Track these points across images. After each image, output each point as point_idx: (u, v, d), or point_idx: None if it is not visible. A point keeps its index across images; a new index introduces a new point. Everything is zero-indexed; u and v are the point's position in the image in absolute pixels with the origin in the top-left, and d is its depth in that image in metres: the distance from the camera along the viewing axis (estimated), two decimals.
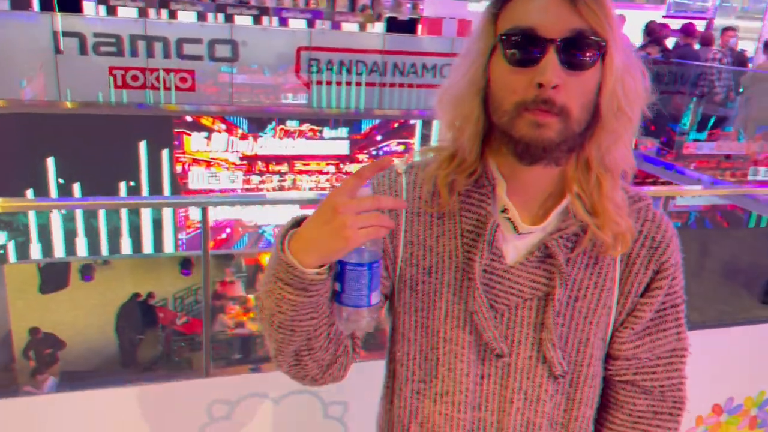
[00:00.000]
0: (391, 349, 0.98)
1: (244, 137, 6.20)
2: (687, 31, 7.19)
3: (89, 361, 6.81)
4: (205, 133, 6.11)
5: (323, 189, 6.33)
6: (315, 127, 6.25)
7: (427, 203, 0.91)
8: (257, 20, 6.41)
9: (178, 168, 6.09)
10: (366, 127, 6.60)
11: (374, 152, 6.54)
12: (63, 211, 5.69)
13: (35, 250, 5.86)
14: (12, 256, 5.78)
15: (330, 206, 0.76)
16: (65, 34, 5.78)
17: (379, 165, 0.80)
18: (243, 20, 6.40)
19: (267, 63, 6.24)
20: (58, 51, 5.80)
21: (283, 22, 6.49)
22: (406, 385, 0.95)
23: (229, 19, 6.39)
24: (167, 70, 6.05)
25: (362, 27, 6.57)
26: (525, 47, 0.79)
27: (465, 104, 0.85)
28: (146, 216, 6.05)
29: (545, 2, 0.79)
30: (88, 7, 6.15)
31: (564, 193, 0.88)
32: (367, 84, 6.46)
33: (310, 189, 6.25)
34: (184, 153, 6.08)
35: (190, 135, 6.12)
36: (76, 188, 5.84)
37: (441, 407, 0.92)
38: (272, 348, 0.88)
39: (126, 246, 6.09)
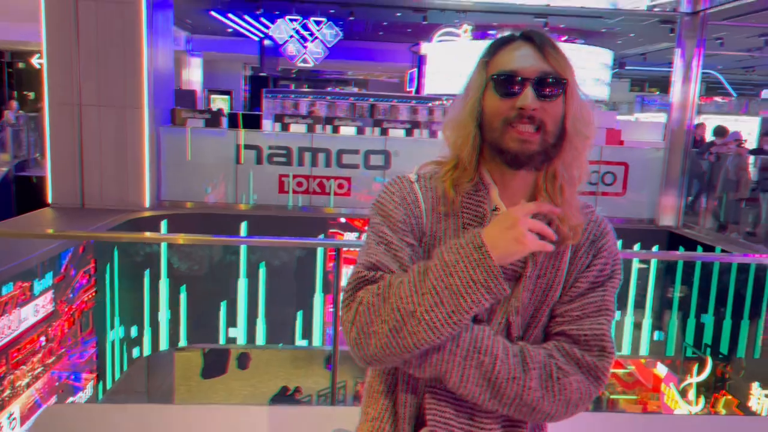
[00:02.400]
0: None
1: None
2: None
3: None
4: (356, 233, 6.55)
5: None
6: None
7: (438, 202, 1.16)
8: (409, 133, 6.95)
9: (331, 265, 6.52)
10: None
11: None
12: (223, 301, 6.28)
13: (202, 336, 6.46)
14: (182, 340, 6.41)
15: (512, 218, 1.04)
16: (246, 147, 6.69)
17: (551, 210, 1.09)
18: (396, 133, 6.98)
19: None
20: (238, 162, 6.70)
21: (434, 134, 6.97)
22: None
23: (384, 132, 7.00)
24: (327, 177, 6.70)
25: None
26: (511, 84, 1.09)
27: (466, 127, 1.14)
28: (295, 309, 6.46)
29: (523, 53, 1.11)
30: (267, 125, 7.08)
31: (537, 197, 1.15)
32: None
33: None
34: (335, 251, 6.52)
35: (342, 235, 6.59)
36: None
37: None
38: (418, 339, 1.03)
39: (282, 336, 6.50)
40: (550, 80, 1.09)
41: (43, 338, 4.31)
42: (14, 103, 11.70)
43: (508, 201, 1.15)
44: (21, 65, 15.37)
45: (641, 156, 6.90)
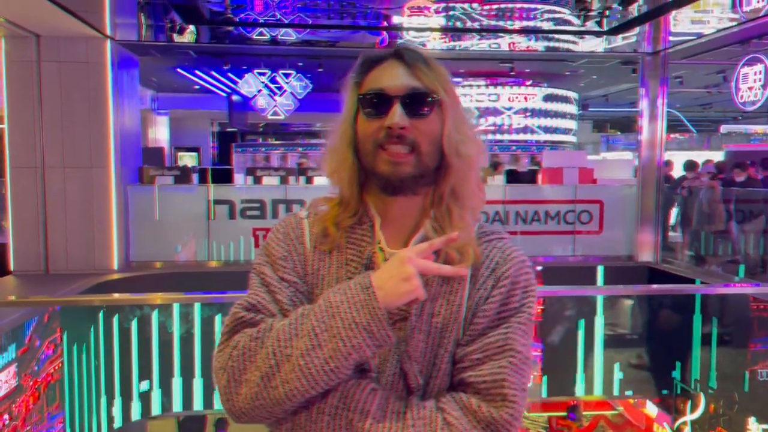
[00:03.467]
0: None
1: None
2: None
3: None
4: None
5: None
6: None
7: (320, 240, 1.08)
8: None
9: None
10: None
11: None
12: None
13: (177, 403, 6.12)
14: (155, 408, 6.06)
15: (400, 258, 0.95)
16: (217, 202, 6.53)
17: (447, 239, 0.98)
18: None
19: None
20: (209, 217, 6.52)
21: None
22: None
23: None
24: None
25: (483, 180, 6.84)
26: (378, 103, 1.03)
27: (340, 154, 1.07)
28: None
29: (390, 71, 1.04)
30: (238, 179, 6.97)
31: (421, 223, 1.06)
32: None
33: None
34: None
35: None
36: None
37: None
38: (292, 387, 0.92)
39: None
40: (420, 97, 1.03)
41: (6, 416, 3.99)
42: None
43: (391, 230, 1.07)
44: None
45: (615, 193, 6.95)
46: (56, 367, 4.71)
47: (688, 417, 6.44)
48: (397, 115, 1.00)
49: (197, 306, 5.89)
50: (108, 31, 5.70)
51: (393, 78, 1.03)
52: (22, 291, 5.34)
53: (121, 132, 5.96)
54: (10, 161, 5.78)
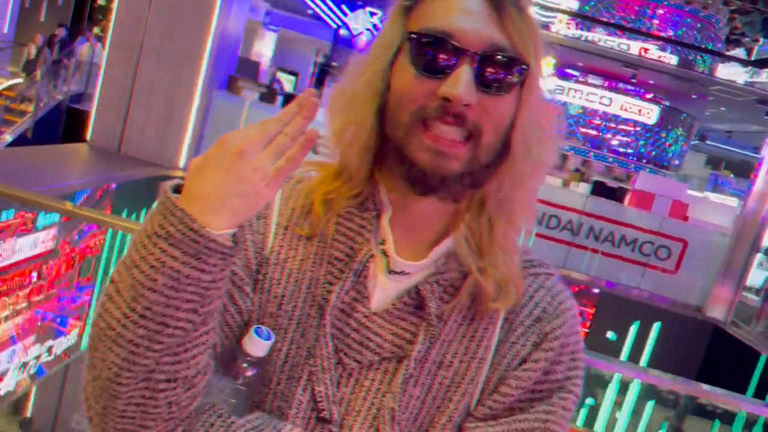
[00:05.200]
0: None
1: None
2: None
3: None
4: None
5: None
6: None
7: (297, 220, 0.75)
8: None
9: None
10: None
11: None
12: None
13: None
14: None
15: (227, 150, 0.61)
16: None
17: (309, 107, 0.62)
18: None
19: None
20: None
21: None
22: None
23: None
24: None
25: (565, 183, 6.42)
26: (436, 54, 0.67)
27: (358, 109, 0.71)
28: None
29: (469, 7, 0.67)
30: (319, 114, 6.86)
31: (450, 231, 0.73)
32: (557, 240, 6.16)
33: None
34: None
35: None
36: None
37: None
38: (113, 365, 0.60)
39: None
40: (503, 60, 0.66)
41: (35, 274, 4.12)
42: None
43: (405, 232, 0.73)
44: (101, 2, 15.69)
45: (704, 237, 6.37)
46: (96, 243, 4.83)
47: None
48: (463, 83, 0.65)
49: None
50: None
51: (469, 20, 0.66)
52: (91, 161, 5.49)
53: (221, 36, 5.91)
54: (112, 36, 5.88)
